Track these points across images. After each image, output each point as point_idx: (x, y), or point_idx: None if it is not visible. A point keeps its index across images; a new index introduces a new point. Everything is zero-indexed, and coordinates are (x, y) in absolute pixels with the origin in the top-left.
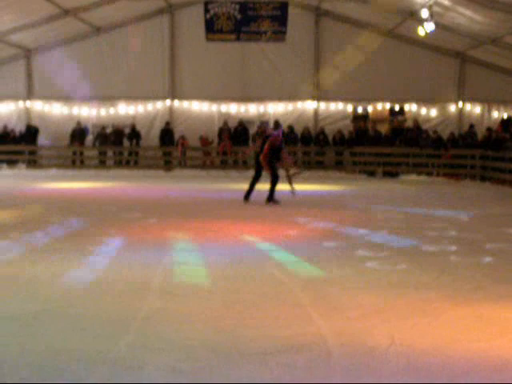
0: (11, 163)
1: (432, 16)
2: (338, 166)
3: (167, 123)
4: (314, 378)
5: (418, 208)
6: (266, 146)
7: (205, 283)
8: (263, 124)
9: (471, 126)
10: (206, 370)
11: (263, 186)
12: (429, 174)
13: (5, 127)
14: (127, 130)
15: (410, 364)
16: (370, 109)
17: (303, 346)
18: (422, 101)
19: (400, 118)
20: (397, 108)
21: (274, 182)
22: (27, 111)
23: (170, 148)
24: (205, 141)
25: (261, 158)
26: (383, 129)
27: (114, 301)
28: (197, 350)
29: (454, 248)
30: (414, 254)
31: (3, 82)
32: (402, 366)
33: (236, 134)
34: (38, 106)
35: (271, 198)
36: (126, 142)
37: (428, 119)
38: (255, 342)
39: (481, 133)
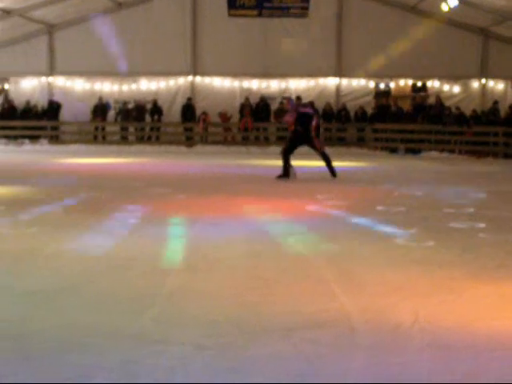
0: (33, 138)
1: None
2: (360, 142)
3: (189, 99)
4: (338, 353)
5: (441, 185)
6: (313, 124)
7: (227, 259)
8: (289, 100)
9: (495, 103)
10: (229, 345)
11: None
12: (451, 151)
13: (27, 103)
14: (149, 106)
15: (435, 341)
16: (392, 85)
17: (327, 322)
18: (444, 77)
19: (422, 94)
20: (419, 84)
21: (327, 158)
22: (49, 87)
23: (192, 124)
24: (224, 116)
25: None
26: (405, 105)
27: (138, 276)
28: (220, 326)
29: (476, 225)
30: (436, 232)
31: (26, 58)
32: (426, 343)
33: (257, 110)
34: (60, 81)
35: (334, 172)
36: (147, 118)
37: (450, 96)
38: (279, 318)
39: (504, 110)
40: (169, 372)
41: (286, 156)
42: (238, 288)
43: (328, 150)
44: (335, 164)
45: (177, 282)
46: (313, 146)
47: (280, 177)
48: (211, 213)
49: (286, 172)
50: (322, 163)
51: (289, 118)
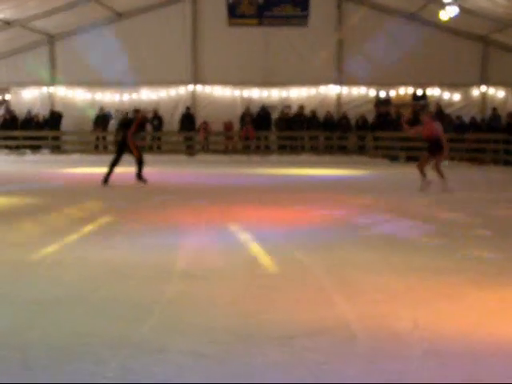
0: (35, 148)
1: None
2: (361, 150)
3: (188, 108)
4: (337, 361)
5: (443, 192)
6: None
7: (227, 266)
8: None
9: (494, 110)
10: (228, 353)
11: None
12: (451, 158)
13: (29, 113)
14: (150, 116)
15: (434, 348)
16: (392, 93)
17: (327, 330)
18: (444, 85)
19: (423, 102)
20: (419, 93)
21: None
22: (51, 97)
23: (192, 133)
24: (228, 126)
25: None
26: (406, 113)
27: (137, 284)
28: (219, 334)
29: (476, 232)
30: (435, 238)
31: (27, 68)
32: (425, 350)
33: (258, 119)
34: (61, 91)
35: None
36: (149, 127)
37: (451, 103)
38: (278, 326)
39: (504, 117)
40: (167, 380)
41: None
42: (237, 296)
43: (329, 159)
44: (337, 172)
45: (176, 290)
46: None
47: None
48: (211, 221)
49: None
50: (327, 171)
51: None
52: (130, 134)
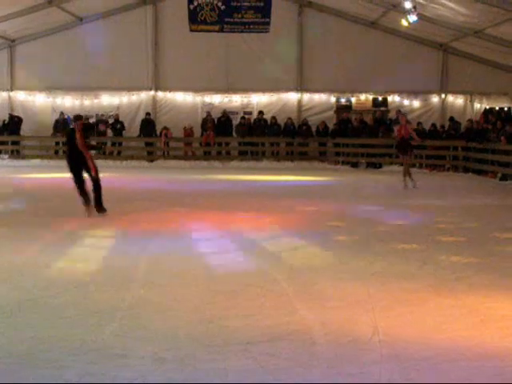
0: None
1: (415, 7)
2: (322, 157)
3: (147, 114)
4: (297, 366)
5: (401, 199)
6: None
7: (189, 272)
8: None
9: (450, 119)
10: (189, 358)
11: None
12: (411, 165)
13: None
14: (111, 121)
15: (394, 352)
16: (353, 100)
17: (287, 335)
18: (404, 92)
19: (383, 109)
20: (380, 99)
21: None
22: (10, 101)
23: (153, 138)
24: (188, 132)
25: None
26: (366, 120)
27: (98, 290)
28: (181, 339)
29: (434, 238)
30: (394, 244)
31: None
32: (385, 355)
33: (220, 125)
34: (20, 96)
35: None
36: (109, 133)
37: (411, 110)
38: (239, 332)
39: (463, 124)
40: None
41: None
42: (198, 302)
43: (290, 165)
44: (297, 178)
45: (137, 296)
46: None
47: None
48: (171, 227)
49: None
50: (287, 177)
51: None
52: (81, 146)
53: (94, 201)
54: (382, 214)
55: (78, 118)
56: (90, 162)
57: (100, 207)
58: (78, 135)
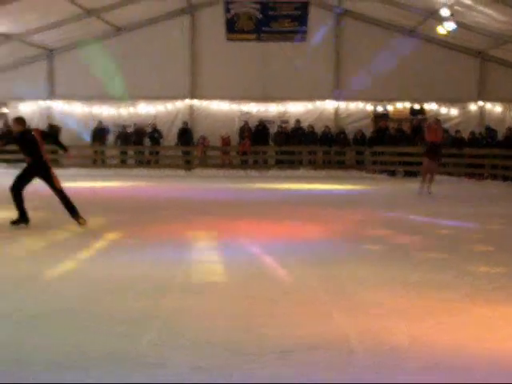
0: None
1: (453, 15)
2: (359, 165)
3: (184, 123)
4: (335, 375)
5: (438, 208)
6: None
7: (226, 280)
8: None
9: (487, 129)
10: (226, 367)
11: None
12: (450, 173)
13: (27, 127)
14: (148, 130)
15: (432, 362)
16: (390, 108)
17: (324, 344)
18: (442, 100)
19: (420, 117)
20: (417, 107)
21: None
22: (49, 111)
23: (190, 147)
24: (225, 140)
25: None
26: (404, 128)
27: (135, 298)
28: (217, 348)
29: (472, 248)
30: (433, 253)
31: (25, 82)
32: (423, 365)
33: (256, 134)
34: (59, 105)
35: None
36: (146, 142)
37: (448, 118)
38: (276, 340)
39: (502, 132)
40: None
41: None
42: (235, 310)
43: (326, 174)
44: (334, 187)
45: (174, 305)
46: None
47: None
48: (210, 235)
49: None
50: (325, 186)
51: None
52: (45, 156)
53: (70, 213)
54: (422, 222)
55: (52, 127)
56: (52, 172)
57: (78, 217)
58: (40, 147)
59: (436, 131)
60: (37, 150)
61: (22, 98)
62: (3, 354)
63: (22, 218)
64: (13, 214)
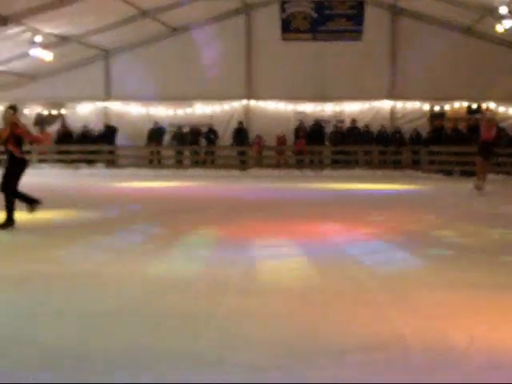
0: (90, 162)
1: (511, 12)
2: (415, 165)
3: (240, 123)
4: (393, 375)
5: (498, 208)
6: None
7: (283, 281)
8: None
9: None
10: (284, 367)
11: None
12: (507, 173)
13: (84, 127)
14: (204, 130)
15: (492, 362)
16: (446, 107)
17: (381, 345)
18: (500, 99)
19: (478, 116)
20: (474, 106)
21: None
22: (105, 111)
23: (246, 147)
24: (280, 140)
25: None
26: (460, 127)
27: (195, 297)
28: (275, 348)
29: None
30: (494, 255)
31: (82, 83)
32: (483, 365)
33: (312, 134)
34: (115, 106)
35: None
36: (202, 142)
37: (507, 117)
38: (333, 340)
39: None
40: None
41: None
42: (292, 310)
43: (382, 173)
44: (390, 187)
45: (232, 304)
46: None
47: None
48: (267, 235)
49: None
50: (381, 186)
51: None
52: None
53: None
54: (482, 223)
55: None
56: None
57: (31, 201)
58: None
59: (489, 129)
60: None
61: (79, 99)
62: (70, 349)
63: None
64: (67, 214)
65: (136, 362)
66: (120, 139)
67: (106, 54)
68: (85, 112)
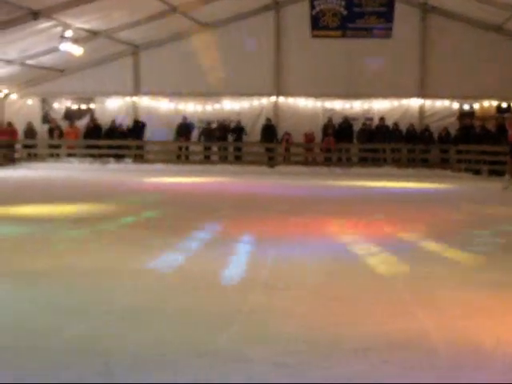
0: (118, 157)
1: None
2: (444, 163)
3: (268, 119)
4: (417, 374)
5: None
6: None
7: (307, 278)
8: None
9: None
10: (307, 364)
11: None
12: None
13: (113, 122)
14: (232, 126)
15: None
16: (476, 106)
17: (404, 343)
18: None
19: (507, 115)
20: (504, 105)
21: None
22: (134, 106)
23: (274, 144)
24: (308, 137)
25: None
26: (490, 126)
27: (220, 294)
28: (299, 345)
29: None
30: None
31: (111, 78)
32: (509, 366)
33: (340, 131)
34: (144, 101)
35: None
36: (230, 138)
37: None
38: (357, 338)
39: None
40: None
41: None
42: (315, 307)
43: (411, 172)
44: (419, 185)
45: (256, 301)
46: None
47: None
48: (292, 232)
49: None
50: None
51: None
52: None
53: None
54: (504, 221)
55: None
56: None
57: None
58: None
59: None
60: None
61: (108, 94)
62: (93, 344)
63: None
64: (93, 208)
65: (153, 359)
66: (151, 132)
67: (136, 49)
68: (114, 107)
